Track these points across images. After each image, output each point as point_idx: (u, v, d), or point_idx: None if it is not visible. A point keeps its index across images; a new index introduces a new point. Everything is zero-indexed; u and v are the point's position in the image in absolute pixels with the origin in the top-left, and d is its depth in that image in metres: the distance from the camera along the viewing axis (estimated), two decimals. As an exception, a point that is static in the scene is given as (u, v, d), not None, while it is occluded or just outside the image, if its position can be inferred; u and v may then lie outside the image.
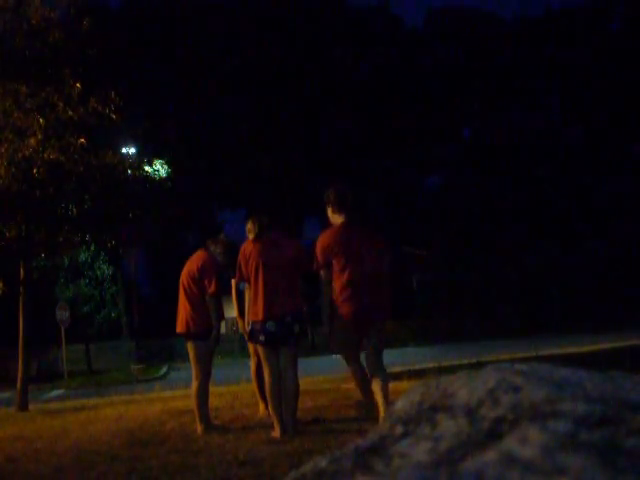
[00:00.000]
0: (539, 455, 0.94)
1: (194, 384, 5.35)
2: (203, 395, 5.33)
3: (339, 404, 6.13)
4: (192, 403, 5.41)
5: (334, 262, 4.61)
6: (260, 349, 4.89)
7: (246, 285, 5.05)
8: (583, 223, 32.93)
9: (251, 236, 5.02)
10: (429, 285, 29.52)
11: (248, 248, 4.95)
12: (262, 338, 4.77)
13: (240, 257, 4.98)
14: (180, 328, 5.45)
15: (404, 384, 7.49)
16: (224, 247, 5.50)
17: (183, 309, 5.44)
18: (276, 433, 4.70)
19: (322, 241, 4.68)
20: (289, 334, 4.79)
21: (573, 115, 35.92)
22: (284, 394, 4.79)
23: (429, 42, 36.66)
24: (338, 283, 4.58)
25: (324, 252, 4.64)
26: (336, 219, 4.77)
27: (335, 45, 33.20)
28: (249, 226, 5.06)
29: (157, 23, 33.04)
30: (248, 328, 4.92)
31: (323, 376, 10.52)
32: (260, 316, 4.76)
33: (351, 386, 5.80)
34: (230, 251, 5.43)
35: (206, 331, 5.34)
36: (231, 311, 6.84)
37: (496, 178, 34.54)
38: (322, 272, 4.67)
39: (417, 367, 11.79)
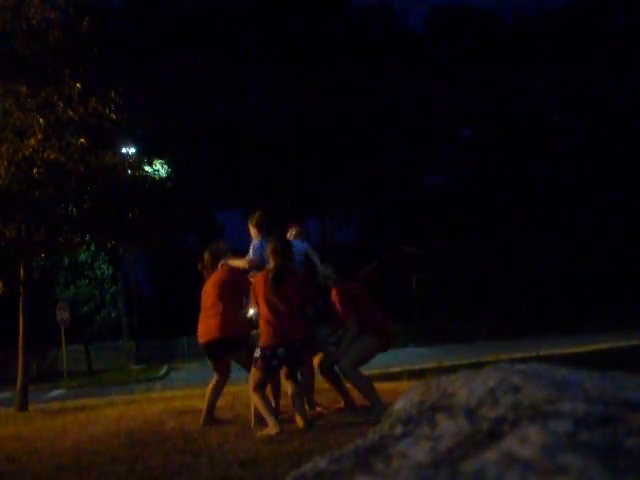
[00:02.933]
0: (539, 455, 0.94)
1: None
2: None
3: (338, 404, 6.12)
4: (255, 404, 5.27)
5: None
6: (258, 373, 4.99)
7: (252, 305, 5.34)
8: (583, 223, 32.91)
9: (272, 261, 5.11)
10: (429, 285, 29.48)
11: (259, 279, 5.12)
12: (275, 363, 4.94)
13: (252, 287, 5.21)
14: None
15: (404, 384, 7.49)
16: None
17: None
18: (272, 430, 4.72)
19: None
20: (299, 360, 5.03)
21: (574, 115, 35.91)
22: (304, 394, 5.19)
23: (429, 42, 36.65)
24: None
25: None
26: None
27: (335, 45, 33.19)
28: (269, 250, 5.17)
29: (158, 23, 33.03)
30: (257, 354, 5.03)
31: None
32: (271, 342, 4.93)
33: (350, 386, 5.80)
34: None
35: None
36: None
37: (496, 178, 34.53)
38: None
39: (417, 367, 11.79)
